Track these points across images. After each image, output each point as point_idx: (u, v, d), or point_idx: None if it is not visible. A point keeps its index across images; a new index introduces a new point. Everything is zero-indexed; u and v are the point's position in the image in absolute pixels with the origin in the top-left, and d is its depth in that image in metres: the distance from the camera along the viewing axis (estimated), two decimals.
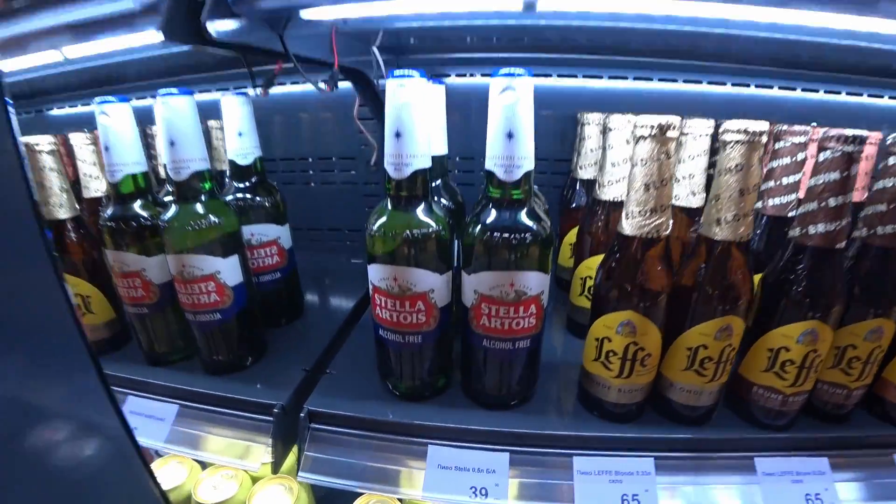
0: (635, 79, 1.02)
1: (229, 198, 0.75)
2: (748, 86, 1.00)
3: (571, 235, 0.87)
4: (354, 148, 1.14)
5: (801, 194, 0.70)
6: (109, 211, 0.67)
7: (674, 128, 0.49)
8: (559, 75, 1.03)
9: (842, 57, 0.89)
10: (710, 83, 1.01)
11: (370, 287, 0.59)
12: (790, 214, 0.69)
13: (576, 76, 1.03)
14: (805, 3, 0.51)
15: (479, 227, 0.53)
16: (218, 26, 0.53)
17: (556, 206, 0.96)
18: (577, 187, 0.89)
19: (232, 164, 0.75)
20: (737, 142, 0.49)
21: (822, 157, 0.52)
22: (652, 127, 0.48)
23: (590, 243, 0.73)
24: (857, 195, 0.78)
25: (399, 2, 0.57)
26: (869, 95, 1.01)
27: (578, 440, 0.58)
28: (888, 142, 0.54)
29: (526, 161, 0.51)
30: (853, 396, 0.61)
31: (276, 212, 0.77)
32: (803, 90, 1.01)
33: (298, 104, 1.12)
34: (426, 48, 1.00)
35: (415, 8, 0.58)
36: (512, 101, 0.49)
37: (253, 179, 0.76)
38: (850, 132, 0.50)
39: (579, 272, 0.76)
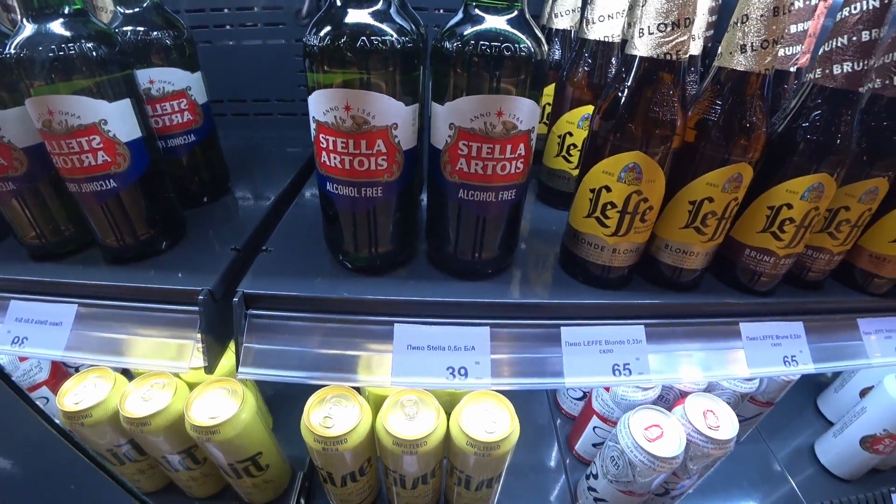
0: None
1: (114, 27, 0.55)
2: None
3: (568, 119, 0.75)
4: None
5: (806, 47, 0.64)
6: None
7: None
8: None
9: None
10: None
11: (312, 127, 0.45)
12: (792, 69, 0.63)
13: None
14: None
15: (460, 37, 0.41)
16: None
17: None
18: (552, 39, 0.76)
19: None
20: None
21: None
22: None
23: (572, 95, 0.63)
24: None
25: None
26: None
27: (567, 308, 0.52)
28: None
29: None
30: (834, 262, 0.60)
31: (182, 52, 0.58)
32: None
33: None
34: None
35: None
36: None
37: (145, 4, 0.56)
38: None
39: (557, 128, 0.66)
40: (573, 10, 0.72)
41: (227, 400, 0.67)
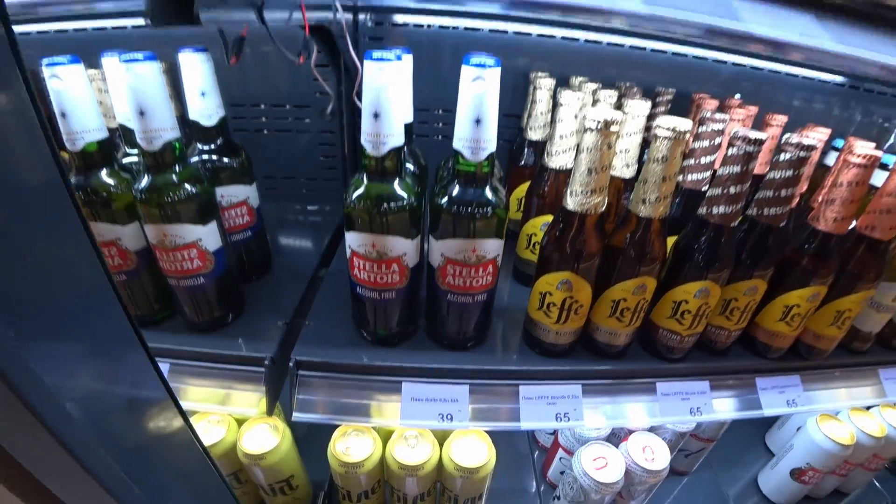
0: (586, 42, 1.13)
1: (195, 159, 0.79)
2: (686, 56, 1.15)
3: (519, 191, 1.00)
4: (309, 96, 1.17)
5: (717, 165, 0.88)
6: (73, 180, 0.69)
7: (616, 122, 0.61)
8: (515, 32, 1.12)
9: None
10: (652, 51, 1.15)
11: (348, 250, 0.69)
12: (703, 189, 0.87)
13: (530, 35, 1.12)
14: None
15: (446, 200, 0.65)
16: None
17: (506, 159, 1.08)
18: (526, 147, 1.00)
19: (195, 125, 0.78)
20: (665, 137, 0.62)
21: (729, 151, 0.68)
22: (597, 122, 0.60)
23: (536, 204, 0.87)
24: (760, 168, 0.98)
25: None
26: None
27: (523, 373, 0.75)
28: (784, 139, 0.70)
29: (490, 143, 0.62)
30: (733, 336, 0.83)
31: (243, 172, 0.83)
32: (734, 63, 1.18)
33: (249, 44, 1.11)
34: None
35: None
36: (481, 90, 0.58)
37: (219, 141, 0.80)
38: (753, 135, 0.65)
39: (526, 229, 0.90)
40: (543, 126, 0.97)
41: (269, 434, 0.91)
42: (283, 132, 1.22)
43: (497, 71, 0.58)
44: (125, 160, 0.80)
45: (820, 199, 0.81)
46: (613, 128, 0.61)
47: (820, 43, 0.80)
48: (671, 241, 0.78)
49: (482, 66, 0.57)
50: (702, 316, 0.76)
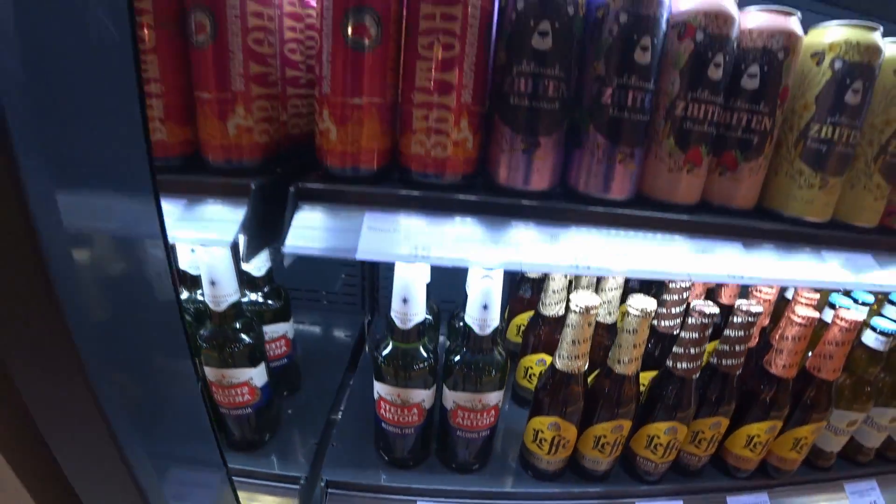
0: None
1: (245, 300, 0.96)
2: None
3: (519, 318, 1.16)
4: None
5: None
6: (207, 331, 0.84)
7: (595, 307, 0.77)
8: None
9: None
10: None
11: (376, 394, 0.85)
12: (675, 332, 1.03)
13: None
14: None
15: (458, 363, 0.81)
16: None
17: (507, 287, 1.25)
18: (524, 281, 1.17)
19: (247, 275, 0.96)
20: (635, 315, 0.79)
21: (689, 320, 0.84)
22: (579, 307, 0.77)
23: (532, 342, 1.03)
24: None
25: None
26: None
27: (521, 495, 0.89)
28: (738, 305, 0.86)
29: (494, 321, 0.79)
30: (703, 460, 0.97)
31: (284, 312, 1.00)
32: None
33: None
34: None
35: None
36: (488, 285, 0.75)
37: (266, 288, 0.97)
38: (708, 309, 0.81)
39: (524, 362, 1.06)
40: (538, 273, 1.13)
41: None
42: None
43: (500, 271, 0.75)
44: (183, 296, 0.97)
45: (774, 343, 0.96)
46: (593, 311, 0.77)
47: None
48: (649, 375, 0.93)
49: (490, 267, 0.74)
50: (672, 448, 0.90)
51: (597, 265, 0.58)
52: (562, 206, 0.63)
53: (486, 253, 0.58)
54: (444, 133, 0.60)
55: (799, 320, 0.87)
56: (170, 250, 0.49)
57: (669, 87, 0.65)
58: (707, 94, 0.65)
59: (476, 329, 0.78)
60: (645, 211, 0.65)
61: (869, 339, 0.97)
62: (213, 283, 0.81)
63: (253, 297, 0.97)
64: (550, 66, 0.58)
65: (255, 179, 0.61)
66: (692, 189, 0.69)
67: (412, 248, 0.57)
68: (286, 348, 1.03)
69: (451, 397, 0.83)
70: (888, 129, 0.74)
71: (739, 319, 0.85)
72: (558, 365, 0.83)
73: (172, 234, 0.58)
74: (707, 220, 0.67)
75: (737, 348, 0.88)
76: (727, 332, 0.88)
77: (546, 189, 0.64)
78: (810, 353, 0.96)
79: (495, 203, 0.62)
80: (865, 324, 0.96)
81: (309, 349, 1.28)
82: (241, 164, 0.65)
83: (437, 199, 0.61)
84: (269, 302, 0.97)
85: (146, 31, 0.60)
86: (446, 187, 0.62)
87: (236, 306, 0.84)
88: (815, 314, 0.87)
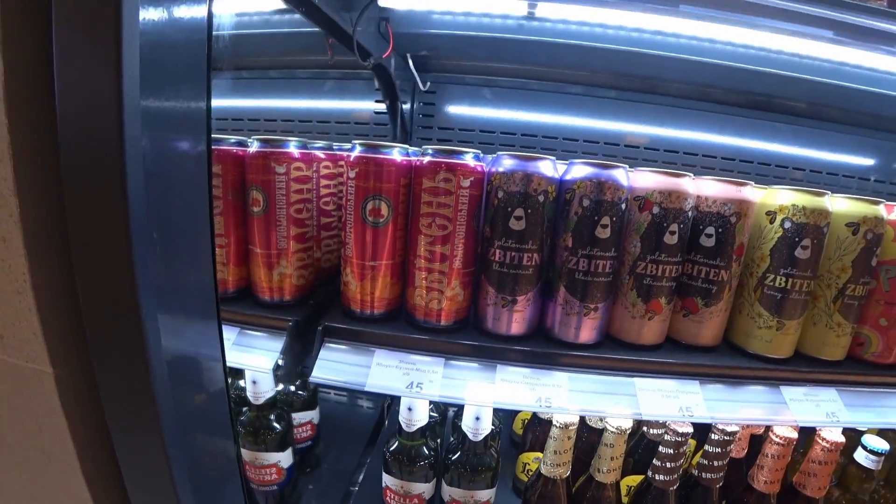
0: None
1: (279, 388, 1.15)
2: None
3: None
4: None
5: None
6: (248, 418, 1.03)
7: (573, 424, 0.90)
8: None
9: None
10: None
11: (384, 482, 1.00)
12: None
13: None
14: None
15: (454, 464, 0.95)
16: None
17: None
18: None
19: None
20: (612, 432, 0.91)
21: (665, 436, 0.94)
22: (560, 424, 0.90)
23: (531, 440, 1.16)
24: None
25: None
26: None
27: None
28: (710, 435, 0.96)
29: (486, 430, 0.93)
30: None
31: (313, 401, 1.17)
32: None
33: None
34: None
35: None
36: (478, 410, 0.90)
37: (297, 381, 1.16)
38: (682, 429, 0.92)
39: (522, 458, 1.18)
40: None
41: None
42: None
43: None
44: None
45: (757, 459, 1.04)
46: (570, 427, 0.90)
47: None
48: (636, 480, 1.03)
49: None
50: None
51: (556, 405, 0.72)
52: (539, 350, 0.78)
53: (466, 392, 0.73)
54: (439, 290, 0.76)
55: (777, 440, 0.96)
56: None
57: (632, 248, 0.79)
58: (664, 256, 0.78)
59: (470, 436, 0.93)
60: (604, 353, 0.79)
61: (860, 456, 1.03)
62: (254, 383, 1.00)
63: (285, 388, 1.15)
64: (524, 242, 0.74)
65: (292, 317, 0.80)
66: (655, 332, 0.82)
67: (408, 384, 0.73)
68: (311, 432, 1.20)
69: (447, 491, 0.97)
70: (844, 274, 0.84)
71: (716, 437, 0.95)
72: (543, 470, 0.95)
73: (228, 358, 0.77)
74: (655, 359, 0.80)
75: (715, 463, 0.97)
76: (706, 447, 0.98)
77: (525, 334, 0.79)
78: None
79: (479, 346, 0.77)
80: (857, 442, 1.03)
81: (334, 423, 1.45)
82: (282, 301, 0.84)
83: (431, 342, 0.77)
84: (300, 392, 1.15)
85: (219, 200, 0.81)
86: (441, 331, 0.78)
87: (272, 400, 1.02)
88: (794, 435, 0.96)
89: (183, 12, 0.47)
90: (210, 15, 0.50)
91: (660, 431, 1.08)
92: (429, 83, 1.25)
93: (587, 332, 0.79)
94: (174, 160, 0.51)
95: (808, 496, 1.00)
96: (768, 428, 1.03)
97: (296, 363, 0.81)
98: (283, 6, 0.70)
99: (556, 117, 1.30)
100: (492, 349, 0.77)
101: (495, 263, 0.75)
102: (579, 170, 0.75)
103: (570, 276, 0.77)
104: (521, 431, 1.23)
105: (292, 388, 1.15)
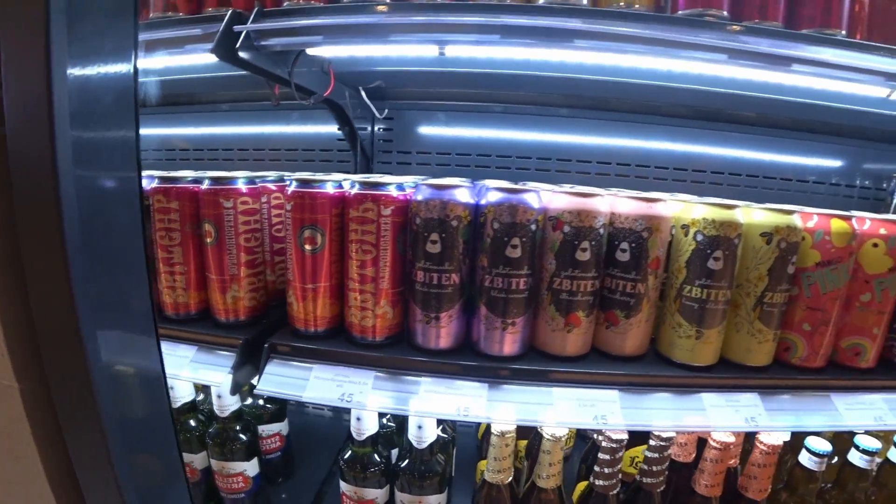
0: None
1: (248, 402, 1.24)
2: None
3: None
4: None
5: None
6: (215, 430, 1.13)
7: (511, 432, 0.97)
8: None
9: None
10: None
11: (341, 489, 1.08)
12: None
13: None
14: None
15: (404, 472, 1.03)
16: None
17: None
18: None
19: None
20: (548, 439, 0.97)
21: (602, 443, 1.01)
22: (497, 431, 0.97)
23: (485, 449, 1.22)
24: None
25: None
26: None
27: None
28: (649, 441, 1.01)
29: (430, 438, 1.00)
30: None
31: (281, 413, 1.27)
32: None
33: None
34: None
35: None
36: (420, 420, 0.98)
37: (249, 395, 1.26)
38: (616, 436, 0.98)
39: (480, 466, 1.24)
40: None
41: None
42: None
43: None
44: None
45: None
46: (507, 435, 0.97)
47: None
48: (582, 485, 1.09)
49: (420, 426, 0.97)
50: None
51: (474, 414, 0.80)
52: (464, 362, 0.86)
53: (392, 402, 0.82)
54: (370, 309, 0.86)
55: (715, 444, 1.01)
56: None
57: (549, 265, 0.87)
58: (578, 272, 0.86)
59: (415, 444, 1.01)
60: (523, 365, 0.86)
61: (804, 458, 1.07)
62: (219, 397, 1.10)
63: (252, 400, 1.25)
64: (442, 263, 0.82)
65: (244, 335, 0.90)
66: (577, 344, 0.89)
67: (340, 395, 0.82)
68: (280, 443, 1.29)
69: (399, 497, 1.05)
70: (761, 283, 0.90)
71: (654, 443, 1.01)
72: (486, 477, 1.02)
73: (181, 373, 0.88)
74: (573, 370, 0.87)
75: (654, 468, 1.02)
76: (646, 452, 1.03)
77: (451, 348, 0.87)
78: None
79: (406, 359, 0.85)
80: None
81: (310, 435, 1.54)
82: (237, 321, 0.94)
83: (363, 356, 0.86)
84: (268, 406, 1.25)
85: (178, 232, 0.93)
86: (375, 346, 0.87)
87: (236, 413, 1.12)
88: (731, 439, 1.01)
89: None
90: (136, 70, 0.61)
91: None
92: (386, 110, 1.36)
93: (510, 345, 0.86)
94: (106, 192, 0.61)
95: (750, 498, 1.05)
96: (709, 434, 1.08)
97: (246, 377, 0.91)
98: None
99: (509, 133, 1.39)
100: (420, 362, 0.85)
101: (418, 283, 0.84)
102: (492, 195, 0.83)
103: (488, 294, 0.85)
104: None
105: (260, 401, 1.24)
